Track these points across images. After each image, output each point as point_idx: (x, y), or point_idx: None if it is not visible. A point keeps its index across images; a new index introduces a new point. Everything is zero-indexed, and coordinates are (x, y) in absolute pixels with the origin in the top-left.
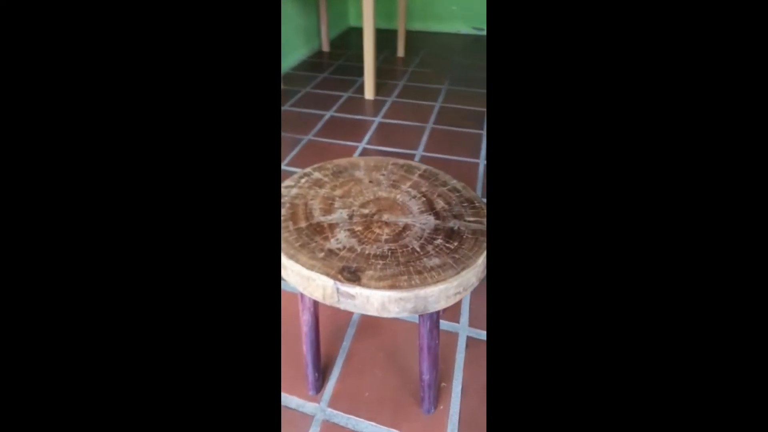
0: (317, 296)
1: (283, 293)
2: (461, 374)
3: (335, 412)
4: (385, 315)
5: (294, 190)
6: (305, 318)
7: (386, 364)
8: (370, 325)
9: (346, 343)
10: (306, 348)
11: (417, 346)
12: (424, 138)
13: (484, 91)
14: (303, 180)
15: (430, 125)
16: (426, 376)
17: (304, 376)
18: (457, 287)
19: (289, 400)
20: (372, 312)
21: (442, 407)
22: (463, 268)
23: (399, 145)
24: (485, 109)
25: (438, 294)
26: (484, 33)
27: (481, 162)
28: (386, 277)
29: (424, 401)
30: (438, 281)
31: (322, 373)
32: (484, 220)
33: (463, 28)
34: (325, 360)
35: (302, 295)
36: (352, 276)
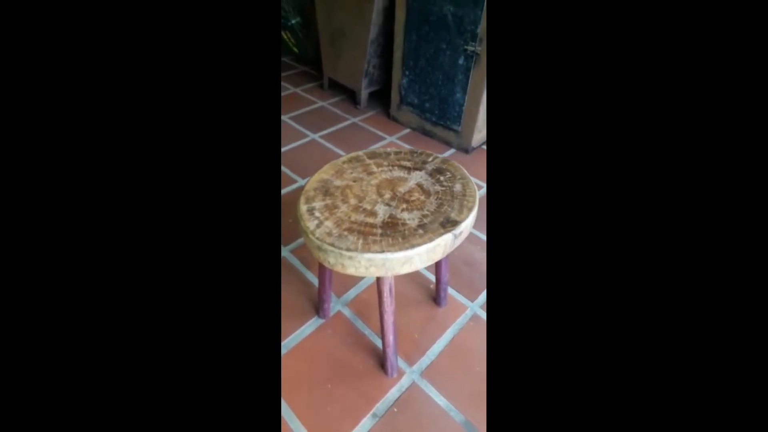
0: (438, 256)
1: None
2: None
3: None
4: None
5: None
6: (388, 299)
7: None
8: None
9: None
10: (390, 335)
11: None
12: None
13: None
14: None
15: None
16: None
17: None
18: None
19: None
20: (465, 235)
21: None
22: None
23: None
24: None
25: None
26: None
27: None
28: (462, 209)
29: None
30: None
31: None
32: (432, 156)
33: None
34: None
35: (382, 279)
36: (451, 222)
